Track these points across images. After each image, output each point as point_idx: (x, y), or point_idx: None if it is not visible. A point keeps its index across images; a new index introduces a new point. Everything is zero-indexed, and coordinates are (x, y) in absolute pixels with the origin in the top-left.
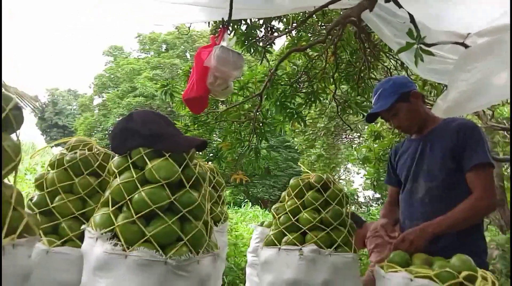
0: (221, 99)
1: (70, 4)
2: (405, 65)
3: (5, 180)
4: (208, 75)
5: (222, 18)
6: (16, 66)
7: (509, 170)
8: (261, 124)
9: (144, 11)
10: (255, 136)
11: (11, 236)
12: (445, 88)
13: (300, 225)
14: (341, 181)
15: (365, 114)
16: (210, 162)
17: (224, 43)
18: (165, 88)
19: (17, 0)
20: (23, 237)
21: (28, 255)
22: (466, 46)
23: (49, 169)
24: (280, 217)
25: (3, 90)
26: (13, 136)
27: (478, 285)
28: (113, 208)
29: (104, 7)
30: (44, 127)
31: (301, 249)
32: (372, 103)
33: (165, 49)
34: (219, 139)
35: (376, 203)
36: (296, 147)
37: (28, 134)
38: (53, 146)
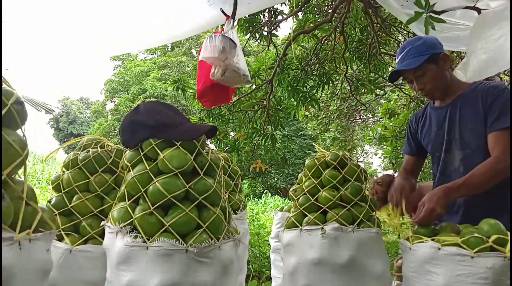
0: (237, 86)
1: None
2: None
3: (16, 177)
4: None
5: (221, 9)
6: (25, 77)
7: None
8: (275, 111)
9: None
10: (269, 124)
11: (27, 230)
12: (457, 57)
13: (320, 204)
14: (359, 163)
15: (379, 91)
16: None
17: (227, 34)
18: (177, 84)
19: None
20: (39, 232)
21: (46, 249)
22: (478, 10)
23: (64, 170)
24: (299, 198)
25: (3, 85)
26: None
27: (509, 248)
28: (130, 201)
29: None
30: (61, 137)
31: (323, 228)
32: (397, 60)
33: (170, 48)
34: (233, 133)
35: None
36: (310, 133)
37: (48, 148)
38: (68, 152)
